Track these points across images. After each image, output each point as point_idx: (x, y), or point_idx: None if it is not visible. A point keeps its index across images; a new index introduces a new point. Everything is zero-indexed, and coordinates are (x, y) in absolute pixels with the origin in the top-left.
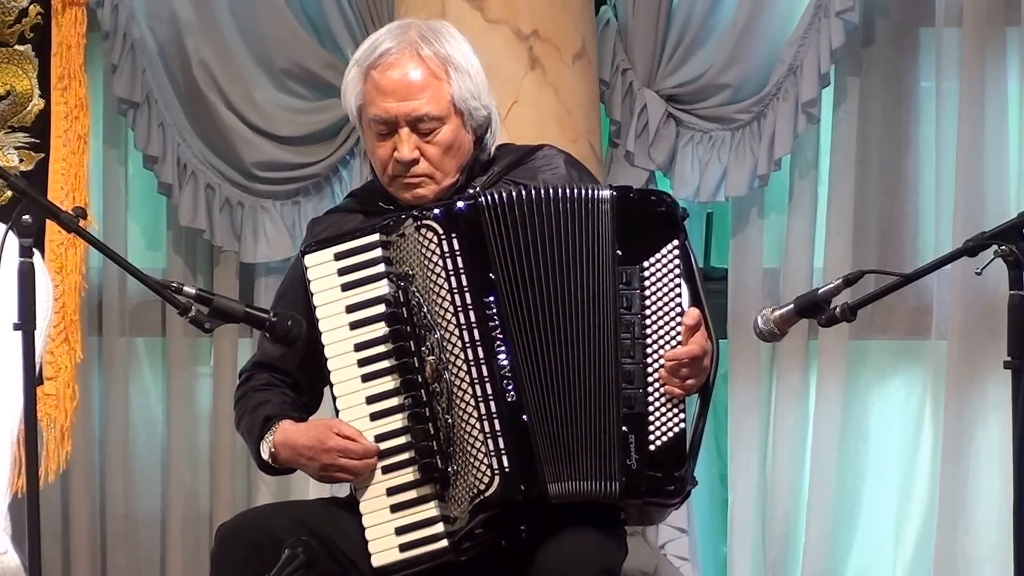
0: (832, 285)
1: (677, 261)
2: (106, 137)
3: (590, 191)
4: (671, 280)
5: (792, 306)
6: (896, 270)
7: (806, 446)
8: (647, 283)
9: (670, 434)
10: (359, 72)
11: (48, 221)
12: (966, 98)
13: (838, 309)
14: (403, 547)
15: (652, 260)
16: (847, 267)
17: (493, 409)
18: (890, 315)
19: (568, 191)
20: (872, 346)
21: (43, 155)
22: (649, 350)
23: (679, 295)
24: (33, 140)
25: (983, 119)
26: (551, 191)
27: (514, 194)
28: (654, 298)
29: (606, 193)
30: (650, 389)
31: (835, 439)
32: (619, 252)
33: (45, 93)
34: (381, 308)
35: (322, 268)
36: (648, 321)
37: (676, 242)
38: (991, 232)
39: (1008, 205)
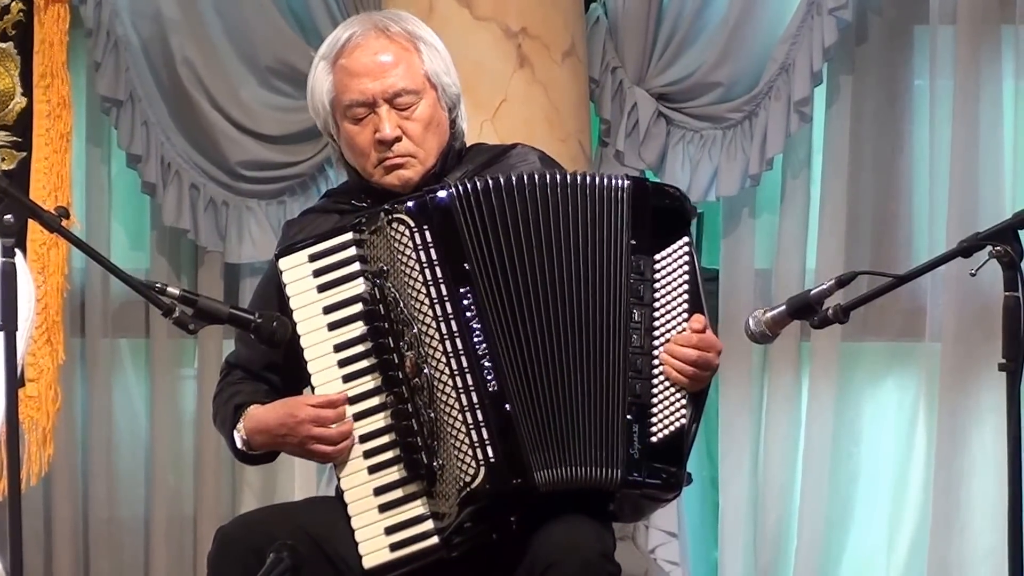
0: (824, 286)
1: (687, 258)
2: (89, 136)
3: (606, 179)
4: (680, 276)
5: (784, 307)
6: (889, 271)
7: (798, 449)
8: (658, 275)
9: (672, 428)
10: (326, 65)
11: (30, 221)
12: (960, 96)
13: (830, 310)
14: (393, 546)
15: (664, 253)
16: (840, 268)
17: (475, 400)
18: (883, 317)
19: (584, 178)
20: (865, 348)
21: (25, 154)
22: (656, 342)
23: (686, 291)
24: (15, 139)
25: (978, 118)
26: (557, 176)
27: (488, 182)
28: (664, 291)
29: (623, 182)
30: (655, 381)
31: (827, 442)
32: (633, 241)
33: (27, 91)
34: (358, 307)
35: (297, 271)
36: (657, 313)
37: (687, 238)
38: (986, 233)
39: (1003, 205)
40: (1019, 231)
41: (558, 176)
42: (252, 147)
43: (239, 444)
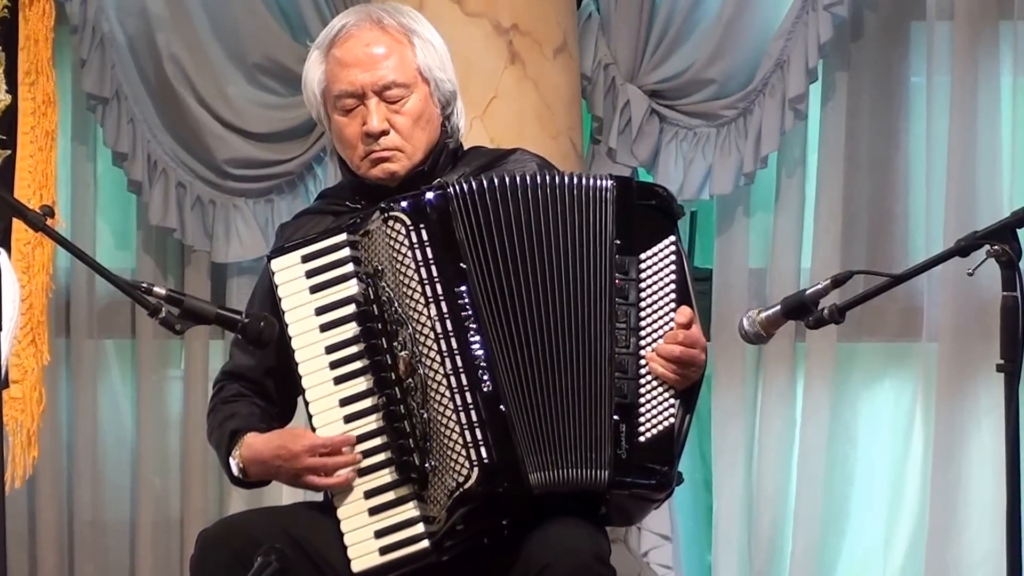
0: (820, 286)
1: (674, 257)
2: (74, 133)
3: (590, 179)
4: (667, 275)
5: (779, 307)
6: (886, 270)
7: (793, 451)
8: (643, 275)
9: (660, 427)
10: (319, 55)
11: (15, 220)
12: (958, 93)
13: (826, 311)
14: (383, 550)
15: (650, 252)
16: (835, 267)
17: (469, 400)
18: (880, 317)
19: (566, 178)
20: (861, 348)
21: (10, 152)
22: (643, 342)
23: (674, 291)
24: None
25: (975, 115)
26: (544, 177)
27: (484, 183)
28: (650, 291)
29: (607, 182)
30: (642, 380)
31: (823, 444)
32: (618, 241)
33: (12, 88)
34: (351, 308)
35: (289, 272)
36: (643, 313)
37: (673, 237)
38: (983, 231)
39: (1000, 203)
40: (1017, 230)
41: (543, 177)
42: (239, 145)
43: (235, 472)
